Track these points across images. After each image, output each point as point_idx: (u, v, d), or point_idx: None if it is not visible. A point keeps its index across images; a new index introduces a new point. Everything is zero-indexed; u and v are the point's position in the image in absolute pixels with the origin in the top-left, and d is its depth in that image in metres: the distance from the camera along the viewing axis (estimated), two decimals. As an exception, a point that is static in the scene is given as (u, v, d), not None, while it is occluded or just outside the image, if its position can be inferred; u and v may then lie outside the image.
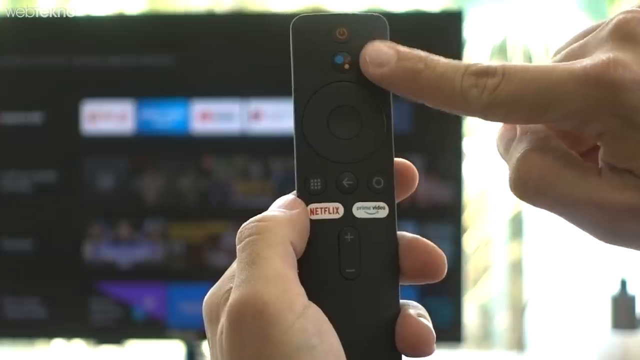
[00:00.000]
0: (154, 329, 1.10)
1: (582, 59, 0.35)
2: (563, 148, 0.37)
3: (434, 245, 0.39)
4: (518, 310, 2.42)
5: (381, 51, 0.38)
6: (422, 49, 0.38)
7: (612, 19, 0.35)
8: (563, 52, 0.37)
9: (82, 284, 1.10)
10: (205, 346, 1.12)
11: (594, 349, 1.22)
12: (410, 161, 0.41)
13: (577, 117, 0.34)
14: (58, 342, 1.74)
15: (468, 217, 2.16)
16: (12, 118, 1.11)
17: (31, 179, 1.10)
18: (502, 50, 2.54)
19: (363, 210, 0.39)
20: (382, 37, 0.40)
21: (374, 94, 0.40)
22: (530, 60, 2.51)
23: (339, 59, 0.40)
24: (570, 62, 0.35)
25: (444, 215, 1.08)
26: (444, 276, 0.39)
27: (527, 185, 0.36)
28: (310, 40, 0.40)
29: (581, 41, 0.37)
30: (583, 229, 0.36)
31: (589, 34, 0.37)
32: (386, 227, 0.39)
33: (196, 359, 1.11)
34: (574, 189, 0.35)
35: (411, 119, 1.06)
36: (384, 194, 0.39)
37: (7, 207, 1.11)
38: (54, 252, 1.10)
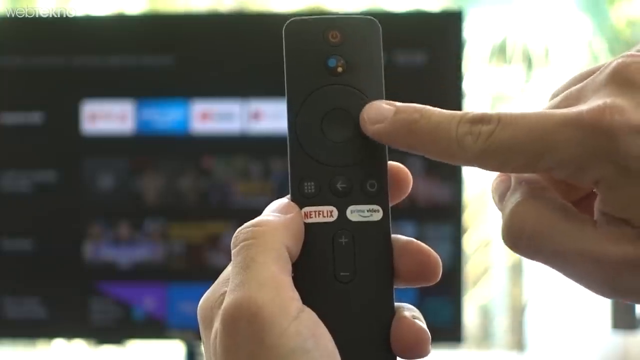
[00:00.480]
0: (154, 329, 1.10)
1: (579, 105, 0.34)
2: (558, 199, 0.36)
3: (429, 248, 0.39)
4: (518, 311, 2.42)
5: (380, 108, 0.38)
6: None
7: (610, 63, 0.35)
8: (560, 96, 0.37)
9: (82, 284, 1.10)
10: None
11: (594, 349, 1.22)
12: (410, 161, 0.41)
13: (573, 164, 0.34)
14: (58, 342, 1.74)
15: (468, 217, 2.16)
16: (12, 118, 1.11)
17: (31, 179, 1.10)
18: (502, 50, 2.54)
19: (357, 213, 0.39)
20: (374, 39, 0.40)
21: (367, 96, 0.40)
22: (530, 60, 2.51)
23: (332, 62, 0.40)
24: (567, 108, 0.35)
25: (444, 215, 1.08)
26: (438, 279, 0.39)
27: (521, 237, 0.36)
28: (303, 43, 0.40)
29: (579, 85, 0.36)
30: (580, 283, 0.35)
31: (587, 77, 0.36)
32: (380, 230, 0.39)
33: (196, 359, 1.11)
34: (569, 241, 0.34)
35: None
36: (378, 197, 0.39)
37: (7, 207, 1.11)
38: (54, 252, 1.10)
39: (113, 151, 1.11)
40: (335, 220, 0.39)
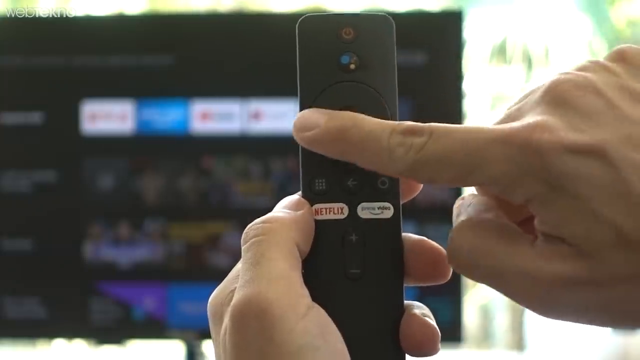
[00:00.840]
0: (154, 329, 1.10)
1: (512, 122, 0.35)
2: (499, 219, 0.36)
3: (440, 247, 0.39)
4: (518, 311, 2.42)
5: (311, 116, 0.38)
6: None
7: (546, 82, 0.35)
8: (502, 115, 0.37)
9: (82, 284, 1.10)
10: (205, 346, 1.12)
11: (594, 349, 1.22)
12: None
13: (503, 181, 0.34)
14: (58, 342, 1.74)
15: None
16: (12, 118, 1.11)
17: (31, 179, 1.10)
18: (502, 50, 2.54)
19: (368, 210, 0.39)
20: (388, 37, 0.40)
21: (380, 94, 0.40)
22: (529, 60, 2.51)
23: (345, 59, 0.40)
24: (500, 125, 0.35)
25: (444, 215, 1.08)
26: (448, 278, 0.39)
27: (460, 258, 0.36)
28: (316, 40, 0.40)
29: (519, 104, 0.36)
30: (517, 301, 0.35)
31: (529, 96, 0.36)
32: (391, 227, 0.39)
33: (196, 359, 1.11)
34: (504, 260, 0.34)
35: (411, 119, 1.06)
36: (389, 195, 0.39)
37: (7, 207, 1.11)
38: (54, 252, 1.10)
39: (113, 151, 1.11)
40: (345, 218, 0.39)
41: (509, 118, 0.36)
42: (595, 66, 0.35)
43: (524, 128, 0.33)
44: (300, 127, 0.38)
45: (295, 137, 0.39)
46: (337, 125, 0.37)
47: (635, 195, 0.32)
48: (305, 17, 0.40)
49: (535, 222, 0.34)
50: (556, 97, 0.34)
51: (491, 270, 0.35)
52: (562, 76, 0.35)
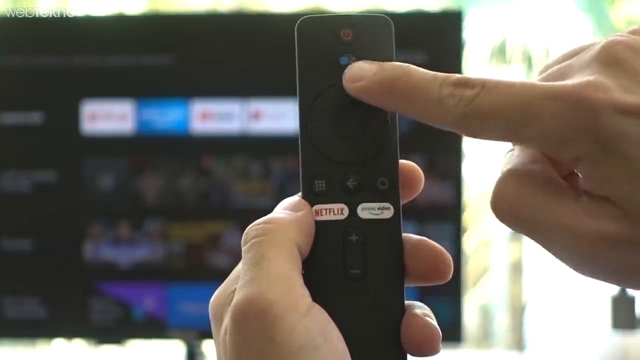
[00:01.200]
0: (154, 329, 1.10)
1: (564, 80, 0.35)
2: (545, 171, 0.36)
3: (440, 247, 0.39)
4: (518, 311, 2.42)
5: (363, 67, 0.38)
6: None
7: (599, 42, 0.35)
8: (549, 71, 0.37)
9: (82, 284, 1.10)
10: (205, 346, 1.12)
11: (594, 349, 1.22)
12: (411, 160, 0.41)
13: (553, 138, 0.34)
14: (58, 342, 1.74)
15: (468, 217, 2.16)
16: (12, 118, 1.11)
17: (31, 179, 1.10)
18: (502, 51, 2.54)
19: (368, 211, 0.39)
20: (387, 38, 0.40)
21: None
22: (530, 60, 2.51)
23: (344, 60, 0.40)
24: (552, 82, 0.35)
25: (444, 215, 1.08)
26: (449, 278, 0.39)
27: (502, 208, 0.36)
28: (315, 42, 0.40)
29: (567, 62, 0.36)
30: (557, 257, 0.35)
31: (576, 55, 0.36)
32: (391, 228, 0.39)
33: (196, 359, 1.11)
34: (547, 212, 0.34)
35: (411, 120, 1.06)
36: (389, 195, 0.39)
37: (7, 207, 1.11)
38: (54, 252, 1.10)
39: (113, 151, 1.11)
40: (345, 218, 0.39)
41: (557, 75, 0.36)
42: None
43: (578, 85, 0.33)
44: (350, 77, 0.38)
45: (346, 88, 0.38)
46: (388, 76, 0.37)
47: None
48: (304, 18, 0.40)
49: (581, 180, 0.34)
50: (610, 57, 0.34)
51: (532, 221, 0.35)
52: (617, 38, 0.35)
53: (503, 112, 0.34)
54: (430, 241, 0.39)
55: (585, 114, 0.33)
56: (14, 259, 1.10)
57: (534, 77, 0.37)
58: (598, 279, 0.35)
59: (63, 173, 1.11)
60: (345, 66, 0.39)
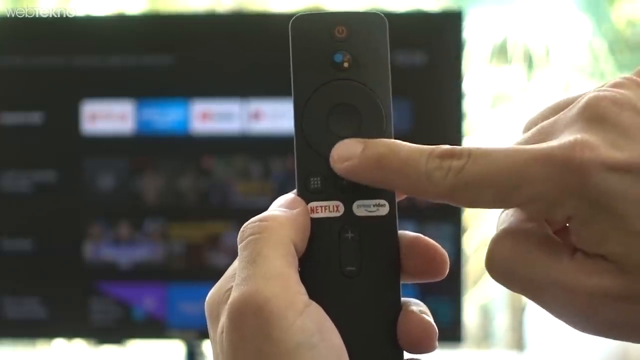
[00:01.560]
0: (154, 329, 1.10)
1: (550, 139, 0.34)
2: (539, 230, 0.36)
3: (436, 244, 0.39)
4: (518, 310, 2.42)
5: (349, 146, 0.38)
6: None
7: (583, 97, 0.35)
8: (533, 130, 0.37)
9: (82, 284, 1.10)
10: (205, 346, 1.12)
11: (594, 349, 1.22)
12: None
13: (544, 200, 0.34)
14: (58, 342, 1.74)
15: (468, 217, 2.16)
16: (12, 118, 1.11)
17: (31, 179, 1.10)
18: (502, 50, 2.54)
19: (363, 208, 0.39)
20: (381, 35, 0.40)
21: (374, 91, 0.40)
22: (530, 60, 2.51)
23: (338, 57, 0.40)
24: (538, 143, 0.35)
25: (444, 215, 1.08)
26: (446, 274, 0.39)
27: (498, 267, 0.36)
28: (309, 39, 0.40)
29: (551, 119, 0.36)
30: (555, 315, 0.35)
31: (560, 109, 0.36)
32: (387, 224, 0.39)
33: (196, 359, 1.11)
34: (543, 271, 0.34)
35: (411, 119, 1.06)
36: (384, 192, 0.39)
37: (7, 207, 1.11)
38: (54, 252, 1.10)
39: (113, 151, 1.11)
40: (341, 215, 0.39)
41: (543, 133, 0.36)
42: (630, 83, 0.35)
43: (565, 146, 0.33)
44: (338, 158, 0.38)
45: (334, 169, 0.39)
46: (374, 154, 0.37)
47: None
48: (298, 16, 0.40)
49: (574, 238, 0.34)
50: (595, 113, 0.34)
51: (528, 280, 0.35)
52: (600, 92, 0.34)
53: (492, 180, 0.34)
54: (426, 238, 0.39)
55: (575, 175, 0.33)
56: (14, 259, 1.10)
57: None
58: (597, 335, 0.35)
59: (63, 173, 1.11)
60: (340, 64, 0.40)
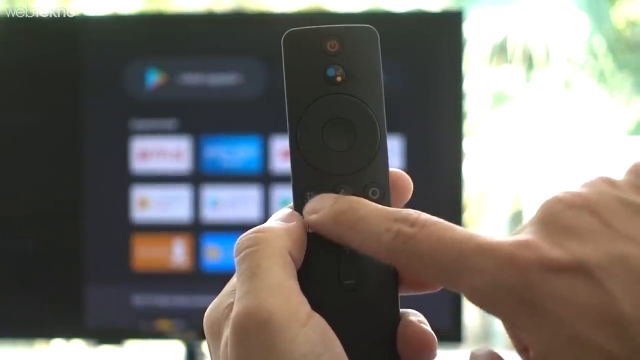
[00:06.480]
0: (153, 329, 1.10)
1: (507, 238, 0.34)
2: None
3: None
4: (518, 311, 2.42)
5: (322, 199, 0.39)
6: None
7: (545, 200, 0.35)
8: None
9: (81, 283, 1.10)
10: (205, 346, 1.12)
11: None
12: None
13: (482, 295, 0.33)
14: (57, 342, 1.74)
15: (468, 217, 2.16)
16: (12, 118, 1.11)
17: (31, 179, 1.10)
18: (502, 50, 2.54)
19: None
20: (373, 47, 0.40)
21: (367, 105, 0.40)
22: (530, 59, 2.51)
23: (331, 72, 0.40)
24: (490, 237, 0.34)
25: (444, 215, 1.07)
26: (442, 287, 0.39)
27: None
28: (301, 54, 0.40)
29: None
30: None
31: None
32: None
33: (196, 359, 1.11)
34: None
35: (411, 119, 1.06)
36: (381, 204, 0.39)
37: (7, 207, 1.10)
38: (54, 252, 1.10)
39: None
40: None
41: (514, 234, 0.35)
42: (601, 182, 0.34)
43: (510, 244, 0.33)
44: (309, 210, 0.39)
45: (305, 220, 0.39)
46: (336, 210, 0.38)
47: (627, 318, 0.30)
48: (290, 31, 0.40)
49: (531, 353, 0.33)
50: (547, 215, 0.34)
51: None
52: (561, 195, 0.34)
53: (435, 258, 0.34)
54: None
55: (513, 273, 0.32)
56: (13, 259, 1.10)
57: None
58: None
59: (63, 173, 1.10)
60: (333, 78, 0.40)
